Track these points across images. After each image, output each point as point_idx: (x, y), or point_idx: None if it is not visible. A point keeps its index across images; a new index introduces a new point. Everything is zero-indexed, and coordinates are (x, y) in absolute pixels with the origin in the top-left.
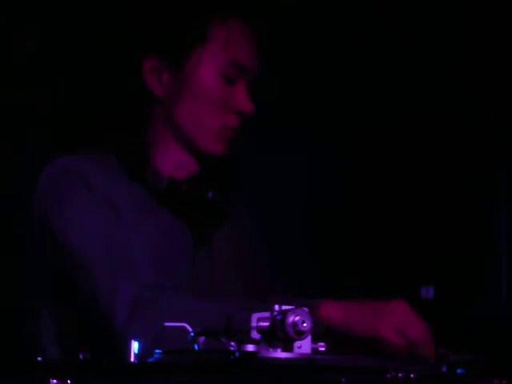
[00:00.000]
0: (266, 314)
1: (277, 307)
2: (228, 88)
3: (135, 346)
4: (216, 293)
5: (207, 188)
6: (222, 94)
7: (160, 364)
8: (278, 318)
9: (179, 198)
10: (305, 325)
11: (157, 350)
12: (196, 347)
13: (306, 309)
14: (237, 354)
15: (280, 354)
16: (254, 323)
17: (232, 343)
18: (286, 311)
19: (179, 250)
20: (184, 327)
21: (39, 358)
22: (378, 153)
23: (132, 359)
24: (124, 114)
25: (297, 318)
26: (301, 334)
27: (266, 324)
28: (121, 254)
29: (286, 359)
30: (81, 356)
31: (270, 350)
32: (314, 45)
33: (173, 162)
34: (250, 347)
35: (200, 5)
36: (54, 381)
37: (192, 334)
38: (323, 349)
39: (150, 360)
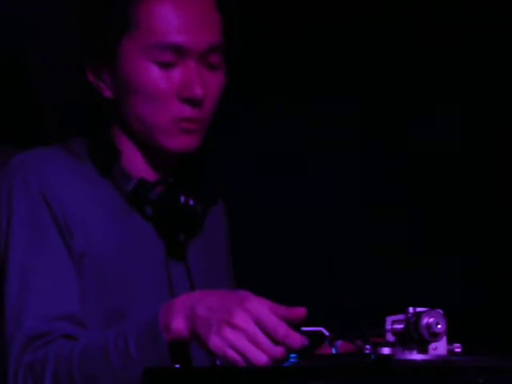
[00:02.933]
0: (401, 317)
1: (411, 309)
2: (169, 75)
3: None
4: None
5: (179, 192)
6: (162, 83)
7: (296, 368)
8: (412, 320)
9: (149, 202)
10: (439, 326)
11: (292, 355)
12: (334, 351)
13: (440, 310)
14: (372, 356)
15: (415, 355)
16: (388, 326)
17: (367, 346)
18: (420, 313)
19: (151, 258)
20: (321, 331)
21: (177, 366)
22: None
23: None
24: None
25: (431, 320)
26: (435, 336)
27: (401, 326)
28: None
29: (422, 361)
30: (218, 362)
31: (406, 352)
32: None
33: (141, 163)
34: (386, 350)
35: None
36: None
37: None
38: (459, 350)
39: (286, 364)
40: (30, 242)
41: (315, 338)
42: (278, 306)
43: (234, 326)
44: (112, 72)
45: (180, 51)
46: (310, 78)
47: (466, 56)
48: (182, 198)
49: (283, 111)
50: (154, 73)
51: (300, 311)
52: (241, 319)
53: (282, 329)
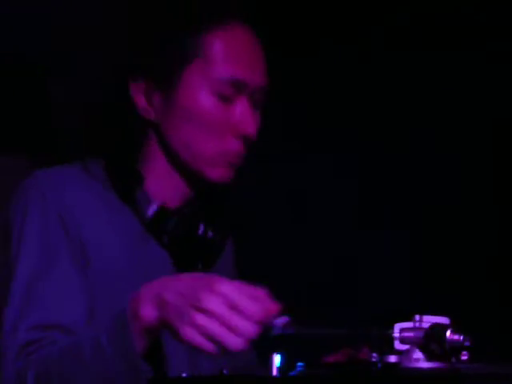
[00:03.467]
0: (409, 324)
1: (417, 317)
2: (226, 108)
3: (277, 359)
4: None
5: (199, 221)
6: (219, 116)
7: (303, 377)
8: (432, 332)
9: (167, 231)
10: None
11: (299, 364)
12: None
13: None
14: (379, 365)
15: (422, 364)
16: (396, 333)
17: (374, 354)
18: (443, 327)
19: None
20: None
21: (184, 375)
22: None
23: (274, 373)
24: (116, 134)
25: (456, 336)
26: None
27: (410, 334)
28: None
29: (429, 369)
30: (225, 371)
31: (413, 360)
32: None
33: (166, 188)
34: (392, 358)
35: (188, 14)
36: None
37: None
38: (465, 357)
39: (292, 373)
40: (38, 258)
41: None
42: (246, 286)
43: (204, 311)
44: (165, 96)
45: (239, 86)
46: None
47: (466, 56)
48: (201, 229)
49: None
50: (213, 104)
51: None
52: (210, 302)
53: (255, 306)
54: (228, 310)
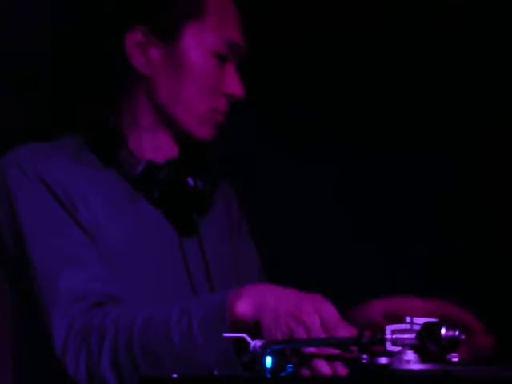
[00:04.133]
0: (401, 326)
1: (408, 319)
2: (219, 69)
3: (268, 360)
4: (214, 283)
5: (187, 173)
6: (215, 75)
7: (293, 378)
8: (426, 331)
9: (157, 185)
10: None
11: (289, 365)
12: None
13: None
14: (370, 366)
15: (413, 365)
16: (388, 335)
17: (364, 356)
18: (437, 324)
19: (163, 242)
20: (244, 338)
21: (174, 375)
22: None
23: (266, 374)
24: (99, 88)
25: (450, 331)
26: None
27: (404, 336)
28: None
29: (419, 371)
30: (215, 373)
31: (404, 361)
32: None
33: (151, 144)
34: (384, 360)
35: None
36: None
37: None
38: (457, 359)
39: (283, 374)
40: (41, 222)
41: (238, 345)
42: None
43: (301, 323)
44: (164, 49)
45: (233, 49)
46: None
47: (458, 58)
48: (190, 180)
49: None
50: (211, 63)
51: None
52: (309, 317)
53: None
54: (322, 331)
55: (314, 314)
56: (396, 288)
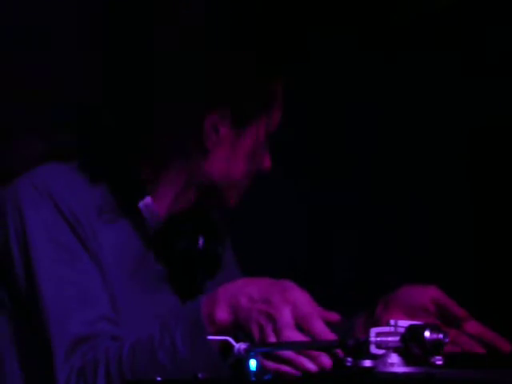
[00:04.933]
0: (385, 329)
1: (392, 321)
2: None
3: (253, 363)
4: None
5: (199, 234)
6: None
7: (277, 381)
8: (411, 334)
9: (170, 246)
10: (445, 339)
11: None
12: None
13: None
14: (353, 369)
15: (397, 368)
16: (372, 338)
17: (348, 359)
18: (420, 327)
19: (163, 296)
20: (227, 340)
21: (158, 378)
22: None
23: (250, 377)
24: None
25: (434, 334)
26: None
27: (389, 339)
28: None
29: (403, 373)
30: (200, 375)
31: (388, 364)
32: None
33: (173, 199)
34: (367, 362)
35: (272, 65)
36: None
37: None
38: (440, 362)
39: (267, 377)
40: (53, 252)
41: (222, 348)
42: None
43: (270, 319)
44: (233, 132)
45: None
46: None
47: (444, 65)
48: (201, 242)
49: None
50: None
51: (335, 316)
52: (279, 311)
53: (319, 324)
54: (293, 323)
55: (284, 306)
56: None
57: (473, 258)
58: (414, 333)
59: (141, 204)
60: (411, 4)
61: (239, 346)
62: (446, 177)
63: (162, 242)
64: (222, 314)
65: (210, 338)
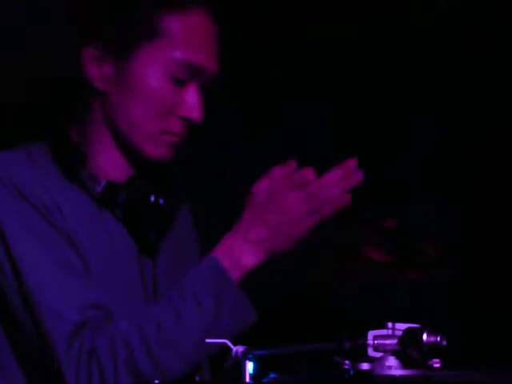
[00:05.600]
0: (383, 332)
1: (390, 324)
2: (176, 90)
3: (250, 366)
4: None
5: (149, 192)
6: (168, 97)
7: (275, 383)
8: (409, 337)
9: (119, 203)
10: (443, 342)
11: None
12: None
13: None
14: (351, 372)
15: (395, 371)
16: (370, 341)
17: (346, 362)
18: (418, 330)
19: (125, 257)
20: (226, 343)
21: (156, 381)
22: None
23: (247, 380)
24: (57, 106)
25: (432, 337)
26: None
27: (386, 342)
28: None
29: (401, 376)
30: (197, 378)
31: (386, 367)
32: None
33: (110, 163)
34: (365, 365)
35: None
36: None
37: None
38: (438, 365)
39: (265, 381)
40: (27, 233)
41: (221, 351)
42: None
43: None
44: (118, 67)
45: (194, 71)
46: None
47: (443, 69)
48: (152, 198)
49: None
50: (167, 87)
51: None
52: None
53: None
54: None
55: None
56: None
57: (473, 258)
58: (411, 336)
59: (82, 173)
60: (411, 4)
61: (237, 348)
62: (446, 177)
63: (107, 201)
64: (252, 260)
65: (208, 341)
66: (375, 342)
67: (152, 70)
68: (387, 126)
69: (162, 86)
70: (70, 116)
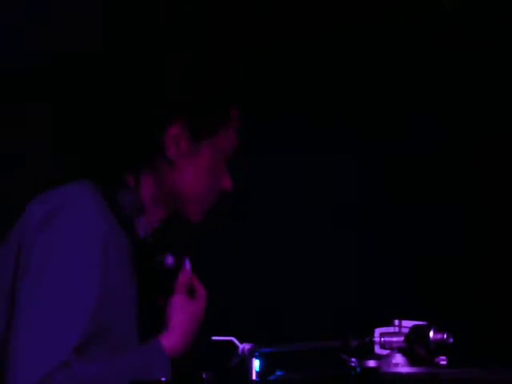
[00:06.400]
0: (390, 329)
1: (397, 321)
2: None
3: (256, 363)
4: None
5: (166, 251)
6: (224, 174)
7: (281, 382)
8: (415, 335)
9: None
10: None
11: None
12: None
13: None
14: (357, 369)
15: (401, 368)
16: (377, 338)
17: (353, 359)
18: (425, 327)
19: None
20: (232, 341)
21: (163, 379)
22: None
23: (254, 377)
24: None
25: (439, 335)
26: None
27: (393, 339)
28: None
29: (408, 374)
30: (204, 375)
31: (392, 365)
32: None
33: (154, 217)
34: (372, 363)
35: (228, 85)
36: None
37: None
38: (445, 362)
39: (272, 378)
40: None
41: (227, 348)
42: None
43: None
44: (192, 143)
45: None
46: None
47: (443, 69)
48: (170, 260)
49: None
50: (222, 163)
51: None
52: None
53: None
54: None
55: None
56: None
57: (472, 259)
58: (418, 333)
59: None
60: (411, 4)
61: (243, 346)
62: (446, 178)
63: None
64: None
65: (215, 338)
66: (382, 339)
67: (219, 152)
68: (387, 125)
69: (223, 165)
70: (132, 163)
